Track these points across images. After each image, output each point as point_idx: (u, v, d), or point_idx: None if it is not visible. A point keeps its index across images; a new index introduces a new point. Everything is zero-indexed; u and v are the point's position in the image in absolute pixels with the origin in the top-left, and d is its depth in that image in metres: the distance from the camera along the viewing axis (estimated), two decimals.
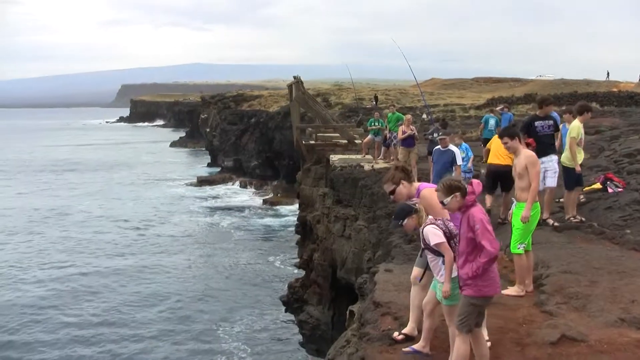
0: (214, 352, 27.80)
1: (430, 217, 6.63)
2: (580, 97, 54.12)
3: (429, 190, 6.86)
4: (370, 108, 49.07)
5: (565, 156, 13.04)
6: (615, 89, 66.45)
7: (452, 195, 6.05)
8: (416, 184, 7.00)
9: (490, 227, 5.88)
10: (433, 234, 6.45)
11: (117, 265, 40.51)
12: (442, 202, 6.17)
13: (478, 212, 5.96)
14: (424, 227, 6.59)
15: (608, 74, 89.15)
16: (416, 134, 20.96)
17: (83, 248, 44.81)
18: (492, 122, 24.72)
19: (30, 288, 35.61)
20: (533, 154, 9.25)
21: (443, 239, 6.38)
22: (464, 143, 16.67)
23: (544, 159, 12.08)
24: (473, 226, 5.92)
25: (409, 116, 22.20)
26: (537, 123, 12.47)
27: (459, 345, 6.08)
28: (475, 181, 6.16)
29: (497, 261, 6.24)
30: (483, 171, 19.57)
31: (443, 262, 6.42)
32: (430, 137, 19.59)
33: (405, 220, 6.70)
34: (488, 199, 13.95)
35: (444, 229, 6.40)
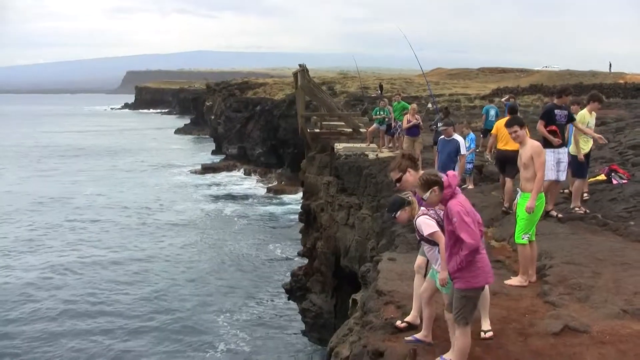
0: (216, 340, 27.85)
1: (422, 207, 6.62)
2: (586, 88, 54.00)
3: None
4: (375, 97, 48.97)
5: (573, 146, 13.07)
6: (621, 81, 66.22)
7: (431, 190, 6.06)
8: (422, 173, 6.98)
9: (468, 219, 5.86)
10: (426, 225, 6.47)
11: (118, 252, 40.55)
12: (421, 198, 6.19)
13: (455, 205, 5.96)
14: (416, 219, 6.60)
15: (610, 65, 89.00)
16: (421, 123, 20.92)
17: (84, 235, 44.85)
18: (492, 112, 24.81)
19: (28, 274, 35.75)
20: (539, 144, 9.21)
21: (436, 228, 6.41)
22: (471, 133, 16.99)
23: (560, 150, 12.16)
24: (451, 219, 5.94)
25: (414, 105, 22.15)
26: (556, 111, 12.47)
27: (459, 338, 6.09)
28: (450, 173, 6.15)
29: (486, 251, 6.24)
30: (489, 159, 19.62)
31: (439, 251, 6.43)
32: (434, 127, 19.62)
33: (399, 213, 6.69)
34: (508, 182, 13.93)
35: (436, 218, 6.42)
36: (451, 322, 6.31)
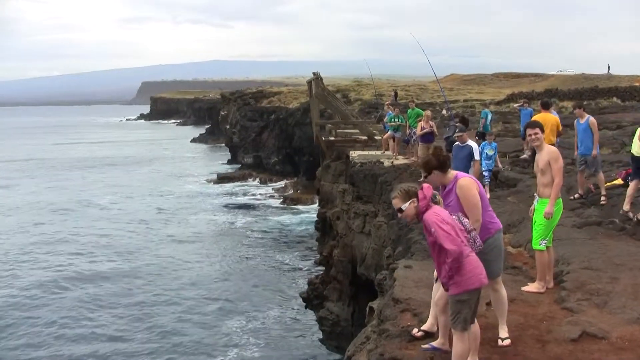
0: (233, 347, 27.89)
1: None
2: (602, 92, 53.74)
3: (467, 180, 6.83)
4: (390, 104, 48.97)
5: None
6: (636, 83, 65.82)
7: (410, 201, 6.07)
8: (453, 172, 6.92)
9: (446, 227, 5.84)
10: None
11: (135, 260, 40.78)
12: (400, 209, 6.17)
13: (431, 216, 5.95)
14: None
15: (609, 67, 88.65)
16: (435, 130, 20.86)
17: (100, 245, 45.09)
18: (490, 117, 25.05)
19: (35, 284, 35.92)
20: (556, 149, 9.15)
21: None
22: (494, 142, 17.30)
23: None
24: (430, 230, 5.94)
25: (428, 112, 22.13)
26: None
27: (456, 344, 6.08)
28: (425, 185, 6.13)
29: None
30: (502, 167, 19.56)
31: None
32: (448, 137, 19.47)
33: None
34: None
35: (458, 225, 6.37)
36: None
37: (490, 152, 16.98)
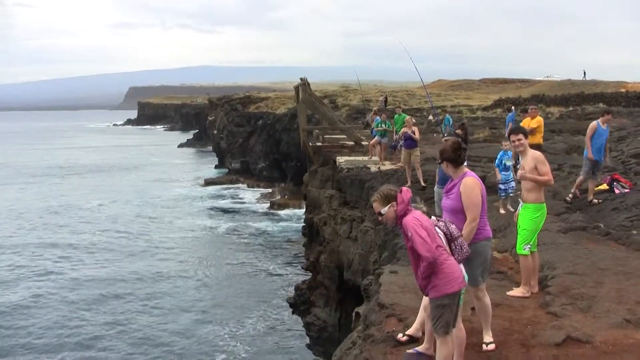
0: (220, 353, 27.84)
1: (433, 217, 6.58)
2: (588, 98, 54.05)
3: (473, 180, 6.87)
4: (378, 109, 49.07)
5: None
6: (623, 90, 66.22)
7: (390, 205, 6.08)
8: (464, 169, 6.97)
9: (423, 232, 5.83)
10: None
11: (121, 267, 40.60)
12: (379, 213, 6.19)
13: (409, 220, 5.95)
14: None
15: (585, 73, 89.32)
16: (415, 135, 20.64)
17: (86, 251, 44.89)
18: (451, 121, 25.50)
19: (24, 292, 35.74)
20: (540, 153, 9.18)
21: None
22: (501, 151, 15.00)
23: None
24: (407, 235, 5.96)
25: (408, 118, 22.16)
26: None
27: (440, 349, 6.07)
28: (404, 189, 6.14)
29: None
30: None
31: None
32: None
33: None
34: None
35: (444, 230, 6.36)
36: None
37: (509, 163, 14.70)
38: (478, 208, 6.77)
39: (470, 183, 6.80)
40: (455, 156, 6.86)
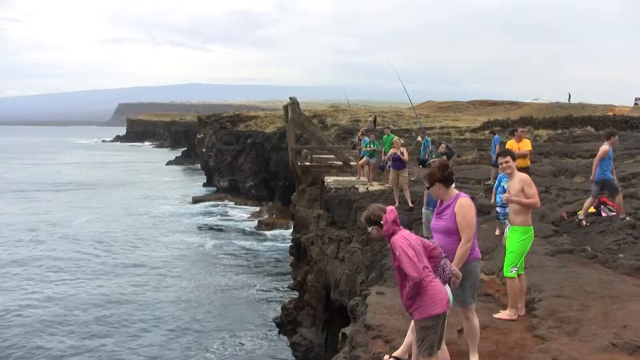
0: None
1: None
2: (576, 121, 54.34)
3: (468, 201, 6.90)
4: (367, 129, 49.20)
5: None
6: (610, 113, 66.67)
7: (372, 228, 6.18)
8: (455, 191, 7.00)
9: (410, 252, 5.85)
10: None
11: (105, 285, 40.20)
12: (367, 232, 6.29)
13: (397, 240, 5.98)
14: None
15: (570, 96, 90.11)
16: (404, 155, 20.64)
17: (69, 268, 44.48)
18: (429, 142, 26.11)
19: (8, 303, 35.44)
20: (527, 176, 9.21)
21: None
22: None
23: None
24: (395, 253, 5.98)
25: (396, 139, 22.17)
26: None
27: None
28: (389, 208, 6.18)
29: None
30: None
31: None
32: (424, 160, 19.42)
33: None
34: None
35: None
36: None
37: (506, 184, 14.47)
38: (473, 229, 6.78)
39: (465, 204, 6.81)
40: (444, 176, 6.88)
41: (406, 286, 5.91)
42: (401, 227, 6.10)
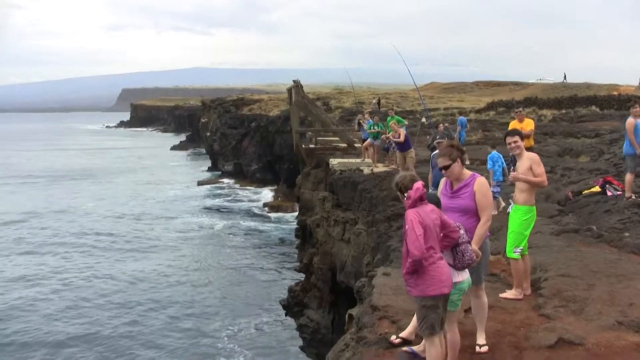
0: (214, 356, 27.76)
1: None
2: (581, 101, 54.18)
3: (485, 180, 6.93)
4: (370, 112, 49.16)
5: None
6: (615, 92, 66.42)
7: (404, 196, 6.16)
8: (467, 170, 7.00)
9: (419, 230, 5.79)
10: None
11: (115, 269, 40.44)
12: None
13: (410, 213, 5.95)
14: None
15: (565, 76, 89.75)
16: (402, 138, 20.53)
17: (79, 252, 44.78)
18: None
19: (27, 292, 35.56)
20: (536, 155, 9.17)
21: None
22: (494, 151, 15.36)
23: None
24: (405, 226, 5.97)
25: (392, 122, 22.14)
26: None
27: (429, 350, 6.08)
28: (416, 185, 6.05)
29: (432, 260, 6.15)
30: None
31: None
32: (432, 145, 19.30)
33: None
34: None
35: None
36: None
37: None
38: (491, 209, 6.84)
39: (485, 183, 6.85)
40: (462, 153, 6.92)
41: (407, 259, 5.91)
42: (426, 202, 6.10)
